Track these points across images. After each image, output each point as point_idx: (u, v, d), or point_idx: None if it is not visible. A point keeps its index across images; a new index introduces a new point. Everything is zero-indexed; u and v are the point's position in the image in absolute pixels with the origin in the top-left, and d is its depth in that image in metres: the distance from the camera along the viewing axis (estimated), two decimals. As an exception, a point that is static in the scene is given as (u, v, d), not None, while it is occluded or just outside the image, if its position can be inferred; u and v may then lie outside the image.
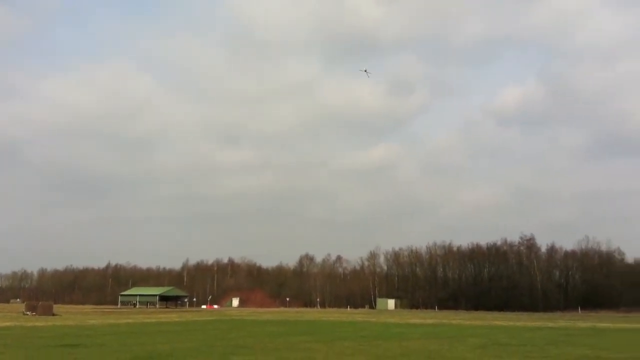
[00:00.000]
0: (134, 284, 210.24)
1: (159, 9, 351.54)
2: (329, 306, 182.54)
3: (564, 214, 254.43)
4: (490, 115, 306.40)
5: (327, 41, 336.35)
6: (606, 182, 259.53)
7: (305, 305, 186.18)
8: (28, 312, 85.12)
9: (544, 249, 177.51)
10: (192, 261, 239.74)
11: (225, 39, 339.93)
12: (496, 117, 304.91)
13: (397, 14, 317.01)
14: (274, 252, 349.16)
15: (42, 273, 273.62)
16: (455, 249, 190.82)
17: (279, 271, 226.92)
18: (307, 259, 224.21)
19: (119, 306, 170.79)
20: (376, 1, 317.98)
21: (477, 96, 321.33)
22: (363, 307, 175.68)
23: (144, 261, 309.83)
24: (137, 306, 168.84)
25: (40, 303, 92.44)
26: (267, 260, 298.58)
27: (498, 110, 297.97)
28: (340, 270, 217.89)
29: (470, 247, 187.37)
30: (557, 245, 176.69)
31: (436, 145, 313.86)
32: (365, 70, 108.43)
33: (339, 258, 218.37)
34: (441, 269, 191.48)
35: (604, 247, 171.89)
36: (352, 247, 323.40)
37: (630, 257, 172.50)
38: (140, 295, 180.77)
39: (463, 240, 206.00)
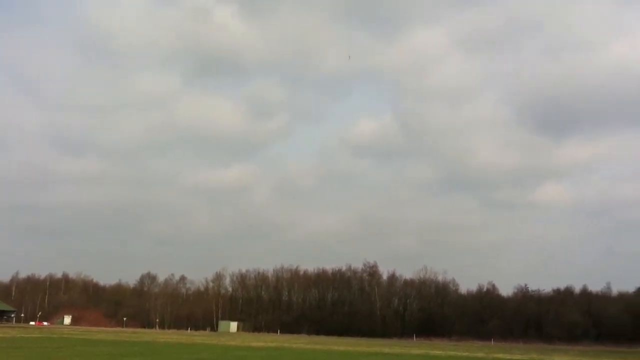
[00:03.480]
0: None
1: (8, 3, 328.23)
2: (169, 327, 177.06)
3: (407, 243, 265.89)
4: (346, 144, 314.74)
5: (188, 56, 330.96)
6: (445, 216, 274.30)
7: (144, 326, 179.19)
8: None
9: (385, 276, 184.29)
10: (23, 274, 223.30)
11: (78, 45, 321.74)
12: (351, 146, 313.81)
13: (262, 36, 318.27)
14: (114, 269, 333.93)
15: None
16: (301, 272, 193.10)
17: (118, 289, 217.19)
18: (149, 277, 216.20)
19: None
20: (243, 20, 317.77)
21: (335, 125, 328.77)
22: (204, 329, 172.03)
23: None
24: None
25: None
26: (106, 277, 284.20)
27: (353, 140, 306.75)
28: (184, 290, 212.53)
29: (316, 271, 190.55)
30: (398, 273, 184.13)
31: (292, 170, 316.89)
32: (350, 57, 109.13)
33: (182, 278, 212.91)
34: (286, 293, 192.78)
35: (440, 278, 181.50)
36: (197, 267, 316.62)
37: (463, 288, 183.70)
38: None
39: (310, 264, 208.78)
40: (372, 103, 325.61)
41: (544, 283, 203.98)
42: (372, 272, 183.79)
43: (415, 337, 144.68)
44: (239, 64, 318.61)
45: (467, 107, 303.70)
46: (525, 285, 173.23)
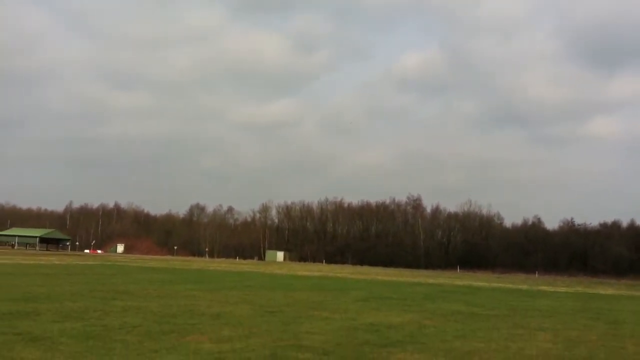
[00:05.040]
0: (13, 225, 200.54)
1: None
2: (218, 256, 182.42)
3: (452, 178, 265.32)
4: (391, 79, 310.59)
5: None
6: (492, 151, 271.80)
7: (194, 254, 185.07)
8: None
9: (429, 209, 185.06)
10: (76, 204, 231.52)
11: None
12: (397, 81, 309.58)
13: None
14: (164, 200, 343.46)
15: None
16: (345, 205, 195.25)
17: (168, 219, 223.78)
18: (198, 208, 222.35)
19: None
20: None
21: (380, 59, 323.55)
22: (252, 258, 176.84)
23: (25, 202, 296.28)
24: (16, 247, 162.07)
25: None
26: (156, 208, 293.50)
27: (399, 75, 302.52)
28: (232, 221, 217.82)
29: (360, 204, 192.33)
30: (442, 206, 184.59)
31: (336, 105, 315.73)
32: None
33: (230, 209, 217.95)
34: (331, 224, 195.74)
35: (484, 211, 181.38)
36: (244, 199, 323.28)
37: (508, 222, 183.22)
38: (19, 236, 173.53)
39: (354, 198, 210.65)
40: (419, 36, 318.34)
41: (592, 218, 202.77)
42: (416, 205, 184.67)
43: (459, 269, 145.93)
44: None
45: (517, 39, 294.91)
46: (572, 219, 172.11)
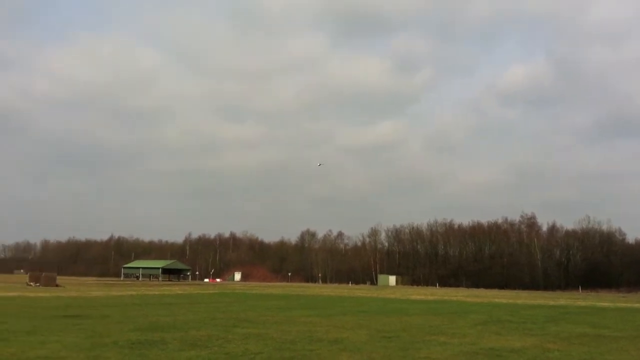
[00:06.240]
0: (137, 257, 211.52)
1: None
2: (330, 282, 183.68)
3: (565, 193, 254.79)
4: (495, 93, 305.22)
5: (335, 17, 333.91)
6: (608, 163, 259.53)
7: (307, 280, 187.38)
8: (31, 283, 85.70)
9: (544, 227, 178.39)
10: (194, 235, 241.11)
11: (230, 13, 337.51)
12: (501, 95, 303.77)
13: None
14: (275, 227, 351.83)
15: (45, 244, 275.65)
16: (456, 226, 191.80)
17: (281, 246, 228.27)
18: (309, 234, 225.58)
19: (121, 278, 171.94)
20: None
21: (483, 74, 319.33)
22: (364, 283, 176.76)
23: (146, 234, 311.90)
24: (140, 279, 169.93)
25: (43, 274, 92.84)
26: (269, 235, 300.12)
27: (503, 89, 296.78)
28: (342, 246, 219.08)
29: (471, 224, 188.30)
30: (558, 224, 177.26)
31: (440, 123, 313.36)
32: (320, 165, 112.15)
33: (340, 234, 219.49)
34: (442, 246, 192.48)
35: (604, 227, 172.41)
36: (353, 223, 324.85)
37: (631, 237, 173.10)
38: (143, 268, 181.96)
39: (464, 218, 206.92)
40: (522, 49, 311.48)
41: None
42: (530, 223, 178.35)
43: (581, 289, 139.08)
44: (383, 19, 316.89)
45: (629, 44, 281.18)
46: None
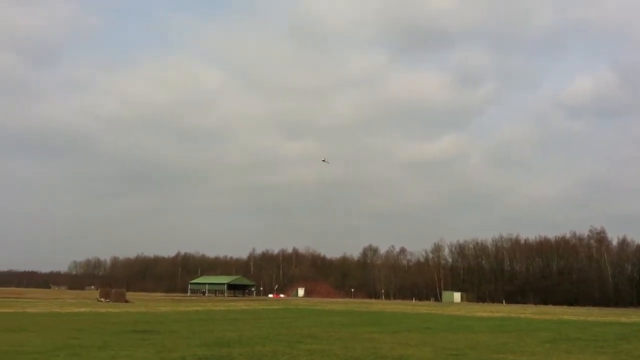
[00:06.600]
0: (203, 273, 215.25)
1: (224, 3, 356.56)
2: (394, 298, 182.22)
3: (636, 206, 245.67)
4: (560, 105, 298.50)
5: (393, 32, 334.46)
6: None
7: (370, 296, 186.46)
8: (102, 299, 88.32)
9: (614, 242, 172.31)
10: (258, 251, 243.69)
11: (290, 32, 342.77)
12: (566, 107, 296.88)
13: (466, 5, 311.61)
14: (338, 243, 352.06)
15: (115, 261, 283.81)
16: (522, 241, 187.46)
17: (343, 262, 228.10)
18: (371, 250, 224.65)
19: (188, 294, 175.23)
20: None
21: (547, 86, 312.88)
22: (428, 299, 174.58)
23: (212, 250, 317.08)
24: (206, 294, 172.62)
25: (113, 290, 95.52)
26: (331, 250, 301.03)
27: (568, 101, 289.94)
28: (404, 262, 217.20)
29: (537, 239, 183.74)
30: (629, 238, 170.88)
31: (503, 137, 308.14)
32: (324, 160, 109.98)
33: (402, 250, 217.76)
34: (508, 262, 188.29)
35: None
36: (415, 239, 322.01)
37: None
38: (209, 283, 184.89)
39: (530, 232, 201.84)
40: (588, 59, 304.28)
41: None
42: (600, 238, 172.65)
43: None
44: (442, 34, 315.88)
45: None
46: None
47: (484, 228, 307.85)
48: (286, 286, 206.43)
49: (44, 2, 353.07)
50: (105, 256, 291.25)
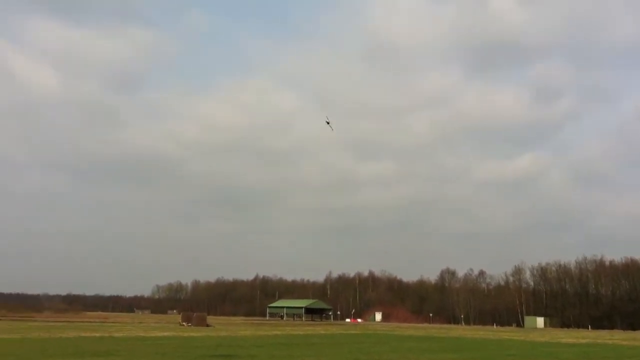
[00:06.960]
0: (280, 296, 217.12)
1: (299, 27, 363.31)
2: (473, 323, 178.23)
3: None
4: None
5: (467, 50, 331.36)
6: None
7: (449, 321, 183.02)
8: (184, 323, 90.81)
9: None
10: (334, 274, 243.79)
11: (363, 53, 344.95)
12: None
13: (541, 19, 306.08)
14: (414, 265, 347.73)
15: (196, 285, 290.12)
16: (607, 263, 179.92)
17: (420, 285, 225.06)
18: (449, 273, 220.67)
19: (267, 317, 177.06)
20: (520, 6, 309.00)
21: (629, 98, 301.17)
22: (509, 324, 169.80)
23: (289, 272, 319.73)
24: (284, 318, 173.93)
25: (195, 314, 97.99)
26: (407, 273, 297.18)
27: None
28: (484, 285, 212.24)
29: (623, 261, 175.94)
30: None
31: (585, 153, 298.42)
32: (328, 122, 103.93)
33: (481, 272, 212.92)
34: (593, 285, 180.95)
35: None
36: (494, 261, 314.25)
37: None
38: (287, 307, 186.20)
39: (615, 254, 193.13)
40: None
41: None
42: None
43: None
44: (518, 50, 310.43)
45: None
46: None
47: (566, 249, 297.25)
48: (363, 310, 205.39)
49: (122, 31, 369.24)
50: (187, 280, 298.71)
